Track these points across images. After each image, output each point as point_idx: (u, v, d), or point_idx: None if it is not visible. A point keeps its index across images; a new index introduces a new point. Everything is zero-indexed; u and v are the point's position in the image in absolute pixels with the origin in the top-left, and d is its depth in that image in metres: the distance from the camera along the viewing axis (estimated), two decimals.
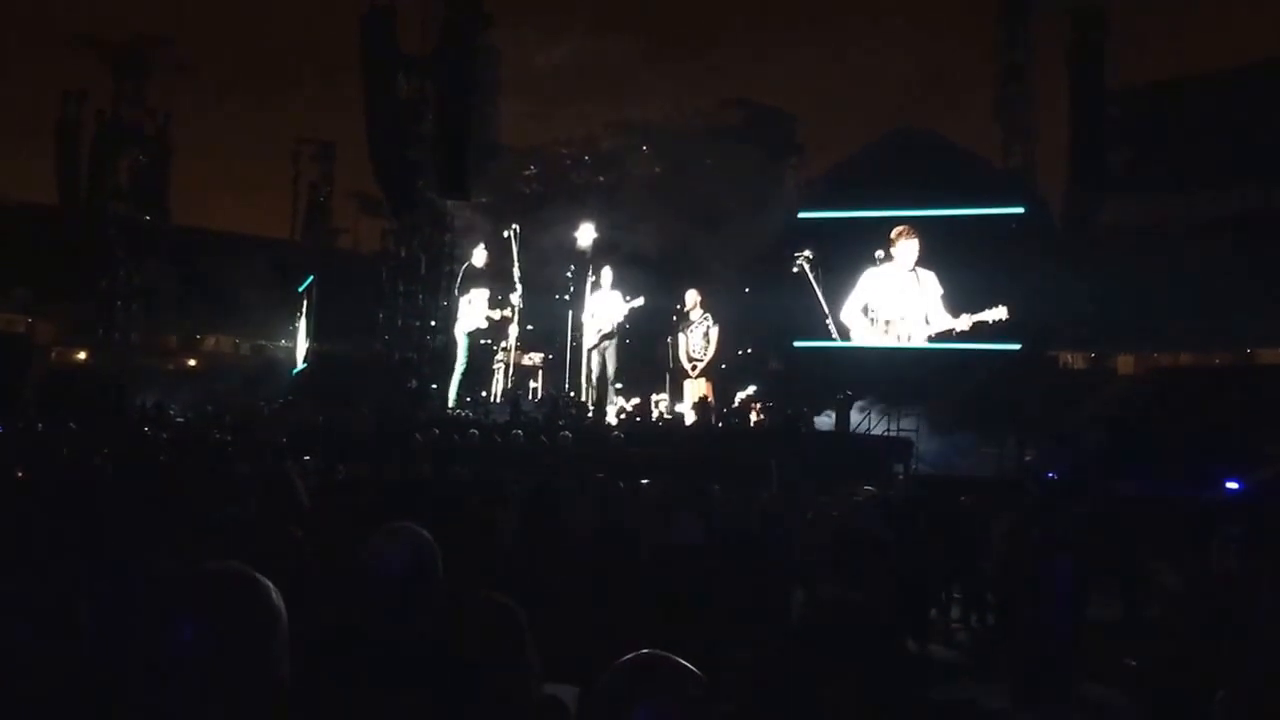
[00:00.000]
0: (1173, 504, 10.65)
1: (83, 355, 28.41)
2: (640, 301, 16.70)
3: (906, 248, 18.26)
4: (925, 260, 18.12)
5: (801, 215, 19.43)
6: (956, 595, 9.85)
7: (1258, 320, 21.70)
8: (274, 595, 1.87)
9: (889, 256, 18.26)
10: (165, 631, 1.79)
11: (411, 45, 18.07)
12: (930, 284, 18.17)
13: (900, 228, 18.22)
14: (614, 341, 16.92)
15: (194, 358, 34.29)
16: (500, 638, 2.47)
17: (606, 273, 17.16)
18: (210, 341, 35.75)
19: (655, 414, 16.89)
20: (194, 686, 1.74)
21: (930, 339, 17.96)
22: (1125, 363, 24.35)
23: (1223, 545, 5.21)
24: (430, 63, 17.89)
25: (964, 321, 17.65)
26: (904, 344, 18.13)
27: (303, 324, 26.41)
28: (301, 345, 26.43)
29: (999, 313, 17.38)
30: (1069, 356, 23.43)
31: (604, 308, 16.94)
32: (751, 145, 23.82)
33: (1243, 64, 25.10)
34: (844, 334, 18.51)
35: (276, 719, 1.83)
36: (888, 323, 18.40)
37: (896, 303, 18.34)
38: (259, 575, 1.89)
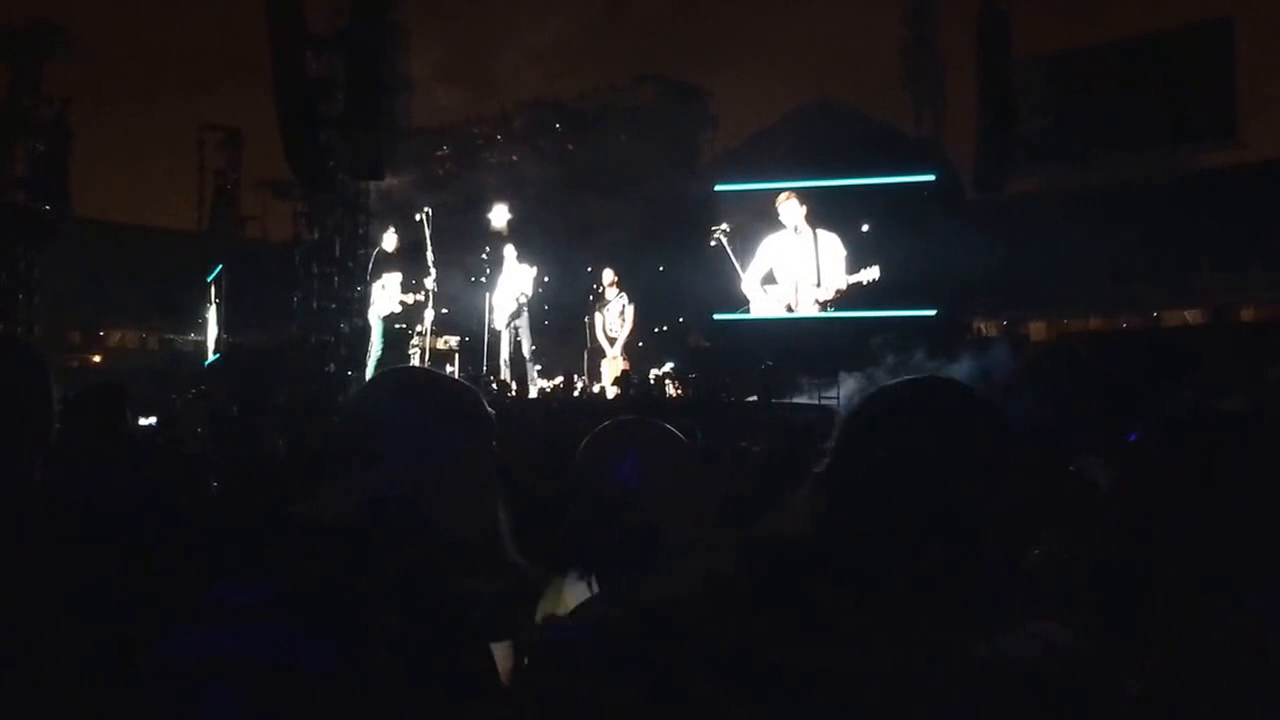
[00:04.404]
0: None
1: None
2: (527, 291, 16.62)
3: (788, 209, 18.28)
4: (827, 224, 18.15)
5: (718, 188, 19.45)
6: None
7: (1162, 285, 22.23)
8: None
9: (781, 223, 18.34)
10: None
11: (320, 23, 17.75)
12: (829, 246, 18.15)
13: (784, 193, 18.25)
14: (523, 319, 16.82)
15: (98, 353, 33.39)
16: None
17: (509, 251, 17.07)
18: (115, 336, 34.87)
19: (577, 392, 16.83)
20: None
21: (818, 303, 18.04)
22: (1037, 329, 24.75)
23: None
24: (339, 40, 17.58)
25: (838, 284, 17.86)
26: (822, 314, 18.15)
27: (213, 314, 25.82)
28: (212, 336, 25.86)
29: (871, 273, 17.52)
30: (983, 324, 23.77)
31: (510, 286, 16.86)
32: (666, 120, 23.82)
33: (1150, 30, 25.65)
34: (746, 307, 18.54)
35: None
36: (795, 286, 18.37)
37: (793, 266, 18.39)
38: None
